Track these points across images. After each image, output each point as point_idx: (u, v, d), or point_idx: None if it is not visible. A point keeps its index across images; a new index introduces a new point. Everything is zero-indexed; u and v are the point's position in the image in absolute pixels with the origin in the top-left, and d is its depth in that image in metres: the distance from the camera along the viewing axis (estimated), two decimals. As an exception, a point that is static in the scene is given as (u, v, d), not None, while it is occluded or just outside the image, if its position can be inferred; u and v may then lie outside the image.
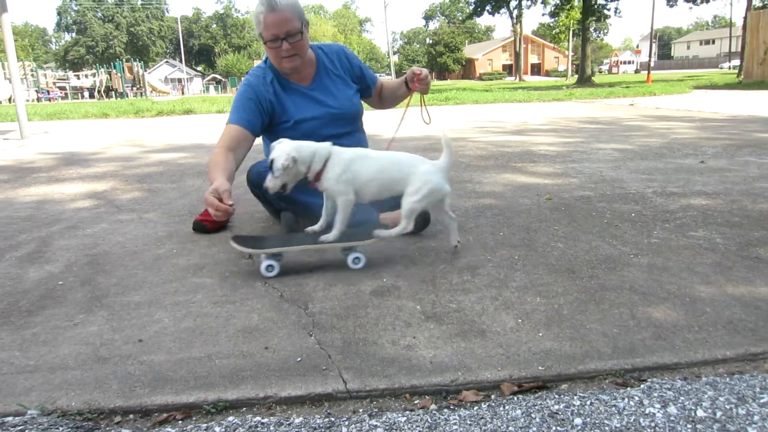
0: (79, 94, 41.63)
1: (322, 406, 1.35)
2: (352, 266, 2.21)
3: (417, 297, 1.93)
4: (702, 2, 31.50)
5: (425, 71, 2.72)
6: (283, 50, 2.53)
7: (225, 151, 2.50)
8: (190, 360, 1.54)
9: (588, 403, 1.29)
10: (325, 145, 2.24)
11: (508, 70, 76.66)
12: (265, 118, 2.67)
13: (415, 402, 1.35)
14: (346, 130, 2.78)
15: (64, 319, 1.84)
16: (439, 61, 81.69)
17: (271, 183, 2.20)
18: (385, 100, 3.03)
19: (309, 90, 2.73)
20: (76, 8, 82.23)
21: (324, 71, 2.78)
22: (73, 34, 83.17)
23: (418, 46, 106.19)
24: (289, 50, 2.53)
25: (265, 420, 1.29)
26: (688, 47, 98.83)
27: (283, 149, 2.17)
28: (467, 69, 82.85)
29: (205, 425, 1.28)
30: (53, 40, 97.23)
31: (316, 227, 2.32)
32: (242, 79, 2.89)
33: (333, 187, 2.21)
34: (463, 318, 1.76)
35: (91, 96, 40.27)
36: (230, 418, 1.30)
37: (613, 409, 1.26)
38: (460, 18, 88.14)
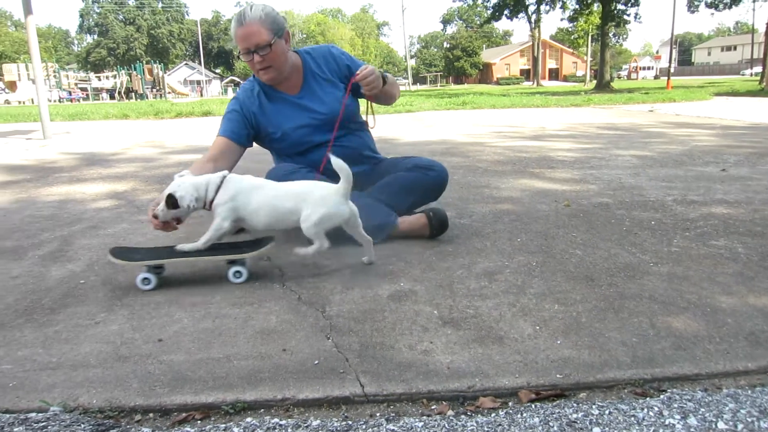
0: (99, 95, 42.17)
1: (340, 410, 1.36)
2: (233, 280, 2.16)
3: (434, 302, 1.93)
4: (724, 8, 31.18)
5: (367, 70, 2.56)
6: (255, 63, 2.55)
7: (204, 162, 2.57)
8: (209, 360, 1.56)
9: (607, 412, 1.29)
10: (219, 174, 2.25)
11: (526, 74, 76.40)
12: (250, 129, 2.70)
13: (432, 407, 1.35)
14: (340, 134, 2.76)
15: (86, 317, 1.86)
16: (456, 65, 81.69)
17: (162, 215, 2.18)
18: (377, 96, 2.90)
19: (297, 98, 2.72)
20: (98, 11, 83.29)
21: (312, 77, 2.76)
22: (95, 36, 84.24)
23: (435, 50, 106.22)
24: (261, 62, 2.54)
25: (283, 422, 1.29)
26: (709, 53, 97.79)
27: (187, 189, 2.17)
28: (484, 73, 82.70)
29: (223, 426, 1.29)
30: (75, 41, 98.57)
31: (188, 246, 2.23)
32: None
33: (216, 209, 2.20)
34: (481, 324, 1.75)
35: (111, 97, 40.81)
36: (248, 419, 1.31)
37: (633, 419, 1.26)
38: (478, 22, 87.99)
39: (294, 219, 2.22)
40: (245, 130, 2.68)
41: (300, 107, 2.71)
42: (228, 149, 2.64)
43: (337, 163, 2.13)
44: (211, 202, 2.21)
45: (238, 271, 2.17)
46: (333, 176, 2.64)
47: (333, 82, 2.77)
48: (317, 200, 2.18)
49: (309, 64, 2.77)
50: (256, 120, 2.70)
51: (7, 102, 35.61)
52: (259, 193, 2.23)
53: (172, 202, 2.15)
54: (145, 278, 2.10)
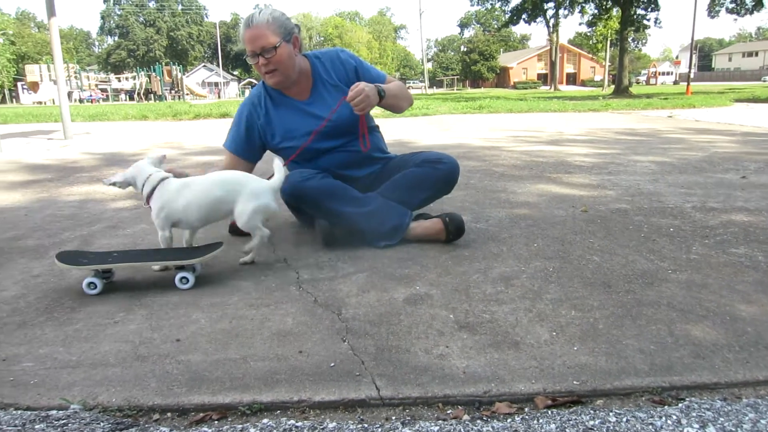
0: (118, 97, 42.66)
1: (355, 412, 1.36)
2: (179, 286, 2.14)
3: (450, 306, 1.93)
4: (746, 13, 30.75)
5: (356, 89, 2.49)
6: (260, 65, 2.57)
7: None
8: (226, 361, 1.57)
9: (624, 420, 1.28)
10: (159, 176, 2.32)
11: (543, 79, 76.03)
12: (257, 141, 2.76)
13: (448, 412, 1.35)
14: (347, 140, 2.76)
15: (105, 316, 1.88)
16: (473, 69, 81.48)
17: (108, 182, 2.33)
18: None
19: (305, 105, 2.72)
20: (119, 13, 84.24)
21: (320, 82, 2.76)
22: (116, 38, 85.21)
23: (452, 53, 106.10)
24: (266, 65, 2.56)
25: (299, 424, 1.30)
26: (730, 59, 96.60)
27: (126, 171, 2.34)
28: (501, 77, 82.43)
29: (240, 426, 1.30)
30: (96, 43, 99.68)
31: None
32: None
33: (155, 221, 2.31)
34: (497, 329, 1.75)
35: (131, 98, 41.24)
36: (265, 420, 1.32)
37: (650, 427, 1.25)
38: (496, 26, 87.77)
39: (226, 208, 2.32)
40: (249, 144, 2.75)
41: (308, 114, 2.71)
42: (237, 163, 2.74)
43: (277, 163, 2.39)
44: (147, 198, 2.31)
45: (184, 277, 2.16)
46: (348, 180, 2.66)
47: (340, 88, 2.76)
48: (250, 194, 2.29)
49: (318, 68, 2.77)
50: (263, 130, 2.74)
51: (36, 103, 36.10)
52: (185, 191, 2.30)
53: None
54: (91, 282, 2.09)
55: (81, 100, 37.66)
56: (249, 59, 2.60)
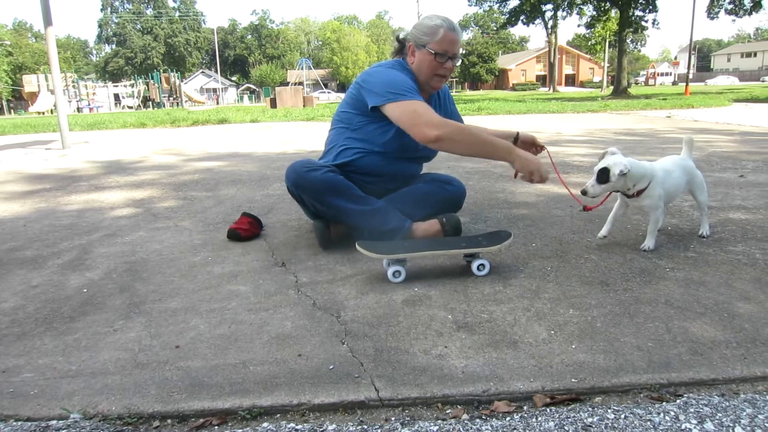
0: (120, 104, 42.74)
1: (355, 414, 1.36)
2: (476, 273, 2.24)
3: (448, 306, 1.94)
4: (744, 14, 30.72)
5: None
6: (444, 67, 2.58)
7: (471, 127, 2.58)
8: (225, 366, 1.57)
9: (622, 416, 1.28)
10: (651, 167, 2.47)
11: (542, 80, 76.15)
12: None
13: (447, 411, 1.36)
14: (417, 163, 2.84)
15: (104, 325, 1.89)
16: (471, 71, 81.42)
17: (592, 189, 2.40)
18: None
19: None
20: (116, 21, 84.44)
21: (432, 99, 2.81)
22: (113, 46, 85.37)
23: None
24: (448, 70, 2.60)
25: (299, 426, 1.30)
26: (729, 59, 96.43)
27: (618, 160, 2.35)
28: (500, 79, 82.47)
29: (240, 431, 1.30)
30: (94, 51, 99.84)
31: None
32: (368, 67, 2.81)
33: (652, 204, 2.45)
34: (495, 328, 1.75)
35: (129, 106, 41.28)
36: (265, 424, 1.32)
37: (648, 423, 1.25)
38: (494, 28, 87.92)
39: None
40: None
41: None
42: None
43: (688, 137, 2.68)
44: (641, 191, 2.44)
45: (481, 265, 2.25)
46: (364, 184, 2.62)
47: (437, 107, 2.83)
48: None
49: (438, 91, 2.83)
50: None
51: (38, 113, 35.98)
52: (668, 177, 2.51)
53: (604, 176, 2.37)
54: (396, 271, 2.21)
55: (79, 109, 37.67)
56: (438, 56, 2.55)
